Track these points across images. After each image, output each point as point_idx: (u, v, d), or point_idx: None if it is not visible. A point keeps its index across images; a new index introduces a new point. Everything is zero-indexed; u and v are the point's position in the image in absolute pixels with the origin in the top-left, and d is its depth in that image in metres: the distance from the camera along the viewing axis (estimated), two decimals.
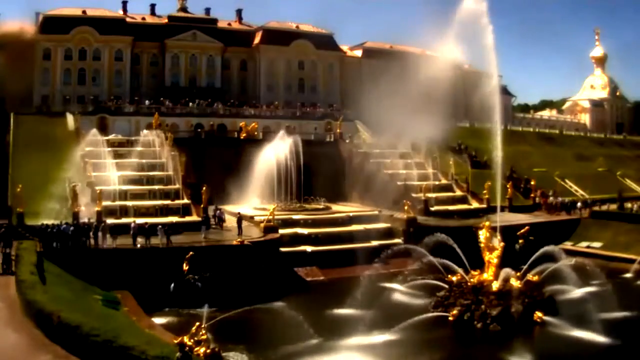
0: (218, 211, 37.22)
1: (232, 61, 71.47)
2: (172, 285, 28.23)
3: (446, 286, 27.80)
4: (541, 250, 29.70)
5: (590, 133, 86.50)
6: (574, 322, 24.16)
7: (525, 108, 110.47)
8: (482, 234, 27.69)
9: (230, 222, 36.47)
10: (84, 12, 65.67)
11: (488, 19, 31.34)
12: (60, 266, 27.03)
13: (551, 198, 50.03)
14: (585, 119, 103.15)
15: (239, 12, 76.57)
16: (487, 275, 27.08)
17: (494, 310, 25.04)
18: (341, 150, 52.66)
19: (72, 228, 29.94)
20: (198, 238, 32.55)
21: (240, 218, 34.47)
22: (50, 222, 30.29)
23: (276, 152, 44.30)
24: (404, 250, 32.40)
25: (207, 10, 73.89)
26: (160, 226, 31.35)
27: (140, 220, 32.32)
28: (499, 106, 34.15)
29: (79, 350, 16.54)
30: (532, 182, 52.89)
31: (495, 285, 26.35)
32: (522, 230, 37.56)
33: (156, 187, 39.10)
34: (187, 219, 36.10)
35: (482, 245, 27.68)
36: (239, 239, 32.32)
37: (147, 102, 58.88)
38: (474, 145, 57.55)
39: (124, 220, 33.64)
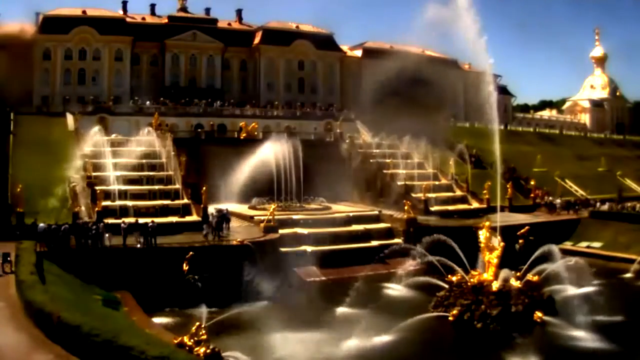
0: (225, 211, 35.25)
1: (232, 61, 71.50)
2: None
3: (446, 286, 27.80)
4: (540, 250, 29.76)
5: (590, 133, 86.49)
6: (574, 322, 24.16)
7: (525, 108, 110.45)
8: (482, 234, 27.67)
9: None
10: (84, 12, 65.70)
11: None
12: (60, 266, 27.01)
13: (550, 198, 50.16)
14: (585, 119, 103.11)
15: (239, 12, 76.70)
16: (487, 275, 27.07)
17: (494, 310, 25.01)
18: (341, 150, 52.67)
19: (67, 227, 29.91)
20: (198, 238, 32.47)
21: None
22: (45, 222, 30.10)
23: (276, 152, 44.31)
24: (404, 250, 32.43)
25: (207, 10, 74.01)
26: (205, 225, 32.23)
27: (138, 220, 32.23)
28: (495, 106, 33.94)
29: (79, 350, 16.53)
30: (532, 182, 52.94)
31: (495, 285, 26.33)
32: (522, 230, 37.57)
33: (156, 187, 39.06)
34: (187, 219, 36.06)
35: (482, 245, 27.68)
36: (239, 239, 32.32)
37: (147, 102, 58.87)
38: (472, 145, 57.48)
39: (125, 220, 33.54)
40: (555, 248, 30.32)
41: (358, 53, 79.38)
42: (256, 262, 30.77)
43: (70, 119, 48.85)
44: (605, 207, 47.91)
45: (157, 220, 32.68)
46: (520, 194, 51.83)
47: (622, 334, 23.58)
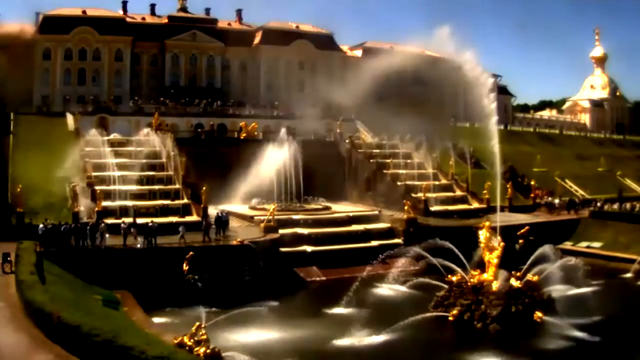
0: (221, 213, 35.05)
1: (232, 61, 71.47)
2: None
3: (446, 286, 27.80)
4: (539, 250, 29.78)
5: (590, 133, 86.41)
6: (574, 322, 24.16)
7: (525, 108, 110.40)
8: (482, 234, 27.68)
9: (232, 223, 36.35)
10: (84, 12, 65.70)
11: None
12: (60, 266, 27.02)
13: (550, 198, 50.16)
14: (585, 119, 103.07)
15: (239, 12, 76.65)
16: (487, 275, 27.07)
17: (494, 310, 25.01)
18: (341, 150, 52.69)
19: (67, 227, 29.90)
20: (198, 238, 32.45)
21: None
22: (44, 222, 30.08)
23: (276, 152, 44.30)
24: (404, 250, 32.43)
25: (207, 10, 73.97)
26: (182, 226, 31.86)
27: (137, 220, 32.30)
28: (494, 104, 33.91)
29: (79, 350, 16.53)
30: (532, 182, 52.93)
31: (495, 285, 26.34)
32: (522, 230, 37.59)
33: (156, 187, 39.12)
34: (187, 219, 36.03)
35: (482, 245, 27.68)
36: (238, 239, 32.32)
37: (151, 101, 58.79)
38: (472, 145, 57.39)
39: (125, 219, 33.56)
40: (552, 249, 30.33)
41: (358, 53, 79.30)
42: (256, 262, 30.80)
43: (70, 119, 48.80)
44: (614, 206, 47.83)
45: (157, 220, 32.72)
46: (520, 194, 51.82)
47: (622, 334, 23.60)
